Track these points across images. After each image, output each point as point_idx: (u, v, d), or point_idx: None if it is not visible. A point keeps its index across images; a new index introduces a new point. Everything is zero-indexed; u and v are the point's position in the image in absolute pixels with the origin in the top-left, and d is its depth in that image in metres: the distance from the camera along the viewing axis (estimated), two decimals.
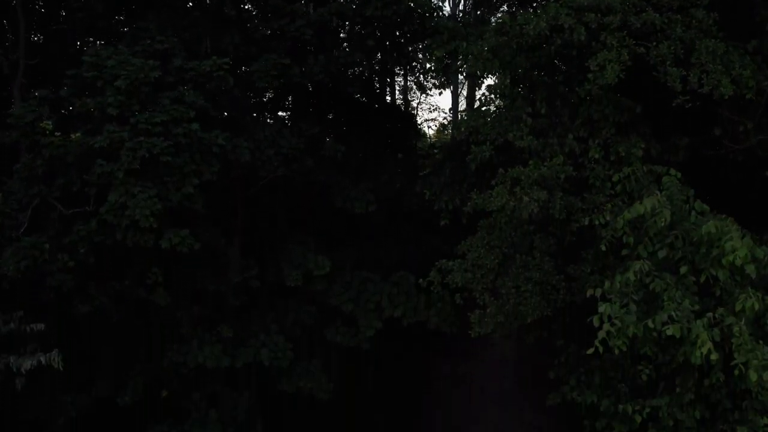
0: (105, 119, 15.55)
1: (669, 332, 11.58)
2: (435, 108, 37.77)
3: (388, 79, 23.72)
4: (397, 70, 25.23)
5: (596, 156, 16.29)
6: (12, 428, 16.76)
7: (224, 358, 18.82)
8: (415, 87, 33.64)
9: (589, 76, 14.99)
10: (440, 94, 33.59)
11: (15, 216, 16.47)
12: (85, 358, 19.53)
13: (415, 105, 30.31)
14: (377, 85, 22.84)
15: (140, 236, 15.50)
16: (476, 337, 16.35)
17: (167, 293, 18.67)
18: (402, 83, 27.18)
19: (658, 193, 13.57)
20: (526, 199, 15.00)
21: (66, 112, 16.64)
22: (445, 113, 56.57)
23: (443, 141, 30.07)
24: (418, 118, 39.14)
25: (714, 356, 11.37)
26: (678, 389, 14.26)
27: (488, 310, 15.77)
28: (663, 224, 12.79)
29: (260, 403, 22.16)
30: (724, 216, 13.28)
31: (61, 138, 15.42)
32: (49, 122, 15.36)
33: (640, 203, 13.00)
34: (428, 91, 36.13)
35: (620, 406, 14.76)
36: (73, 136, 15.42)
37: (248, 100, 19.33)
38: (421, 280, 17.23)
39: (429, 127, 51.39)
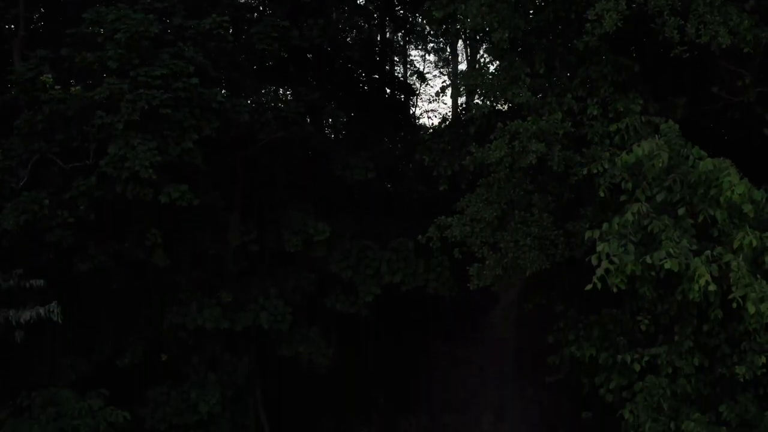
0: (105, 73, 15.62)
1: (667, 266, 11.59)
2: (434, 99, 37.70)
3: (388, 50, 23.75)
4: (397, 38, 25.31)
5: (594, 113, 16.33)
6: (12, 388, 16.73)
7: (223, 320, 18.81)
8: (415, 77, 33.89)
9: (588, 26, 15.05)
10: (439, 66, 33.44)
11: (15, 172, 16.51)
12: (84, 322, 19.52)
13: (414, 83, 30.31)
14: (378, 57, 22.89)
15: (140, 189, 15.54)
16: (475, 289, 16.35)
17: (166, 256, 18.67)
18: (400, 49, 27.06)
19: (657, 137, 13.60)
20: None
21: (66, 69, 16.67)
22: (446, 104, 56.65)
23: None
24: (417, 108, 39.22)
25: (712, 287, 11.39)
26: (676, 337, 14.28)
27: (487, 263, 15.79)
28: (661, 166, 12.82)
29: (259, 368, 22.19)
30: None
31: (61, 92, 15.47)
32: (49, 76, 15.41)
33: (638, 146, 13.03)
34: (428, 82, 36.34)
35: (619, 356, 14.78)
36: (73, 90, 15.46)
37: (248, 63, 19.38)
38: (420, 236, 17.26)
39: (429, 117, 51.42)
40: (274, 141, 19.16)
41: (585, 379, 17.65)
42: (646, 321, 14.79)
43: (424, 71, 37.56)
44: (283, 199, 20.97)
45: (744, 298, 11.43)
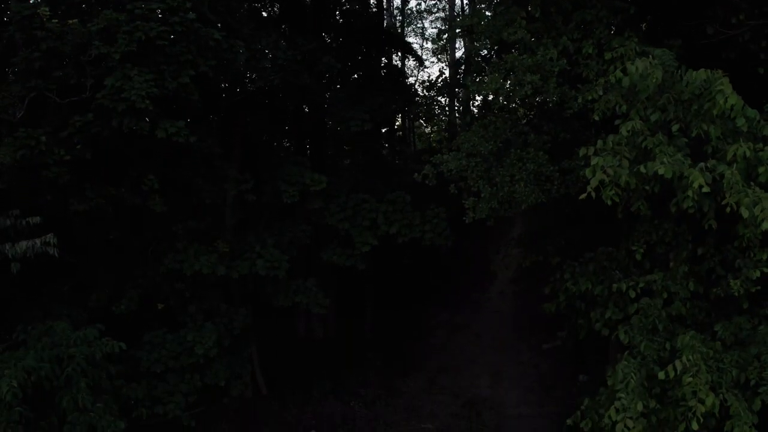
0: (101, 6, 15.67)
1: (660, 171, 11.62)
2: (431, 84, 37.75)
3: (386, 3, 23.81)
4: None
5: (590, 52, 16.41)
6: (8, 327, 16.70)
7: (220, 266, 18.81)
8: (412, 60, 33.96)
9: None
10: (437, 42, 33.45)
11: (12, 111, 16.53)
12: (79, 269, 19.54)
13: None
14: (374, 9, 22.90)
15: (136, 122, 15.56)
16: (470, 222, 16.37)
17: (163, 203, 18.67)
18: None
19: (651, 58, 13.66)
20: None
21: (64, 7, 16.70)
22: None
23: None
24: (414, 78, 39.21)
25: (706, 189, 11.39)
26: (671, 264, 14.34)
27: (482, 196, 15.83)
28: (655, 82, 12.86)
29: (256, 323, 22.20)
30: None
31: (58, 24, 15.50)
32: (47, 8, 15.45)
33: (632, 64, 13.08)
34: (425, 66, 36.47)
35: (614, 285, 14.81)
36: (70, 23, 15.50)
37: (245, 11, 19.46)
38: (416, 174, 17.31)
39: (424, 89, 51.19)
40: (270, 90, 19.20)
41: (581, 321, 17.72)
42: (641, 250, 14.87)
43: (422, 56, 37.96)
44: (279, 154, 21.02)
45: (738, 203, 11.46)
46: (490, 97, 15.80)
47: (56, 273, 19.22)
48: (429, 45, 36.75)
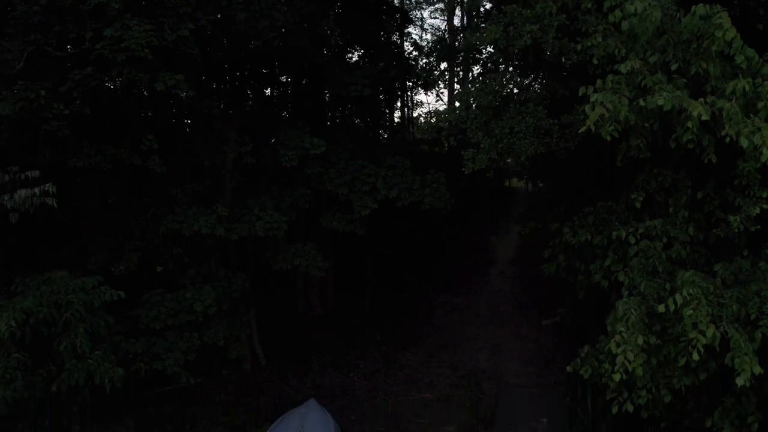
0: None
1: (660, 102, 11.62)
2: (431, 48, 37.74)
3: None
4: None
5: (588, 6, 16.44)
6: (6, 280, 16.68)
7: (219, 227, 18.77)
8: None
9: None
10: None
11: (12, 64, 16.52)
12: (78, 232, 19.51)
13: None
14: None
15: (136, 73, 15.55)
16: (469, 173, 16.37)
17: (163, 163, 18.65)
18: None
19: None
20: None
21: None
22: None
23: None
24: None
25: (705, 117, 11.39)
26: (671, 209, 14.34)
27: (482, 146, 15.83)
28: (654, 22, 12.87)
29: (255, 296, 22.19)
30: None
31: None
32: None
33: (631, 4, 13.10)
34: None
35: (613, 233, 14.78)
36: None
37: None
38: (412, 128, 17.32)
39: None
40: (270, 52, 19.19)
41: (581, 277, 17.69)
42: (641, 198, 14.87)
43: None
44: (278, 117, 21.01)
45: (737, 134, 11.46)
46: (490, 49, 15.79)
47: (55, 235, 19.21)
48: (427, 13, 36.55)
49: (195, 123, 18.70)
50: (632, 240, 14.23)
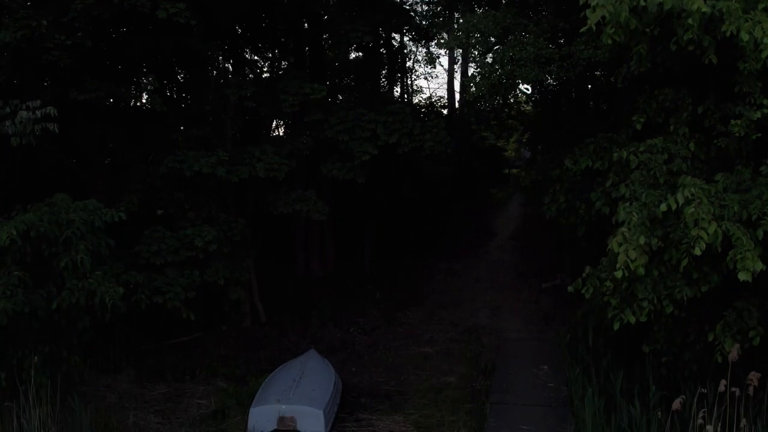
0: None
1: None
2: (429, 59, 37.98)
3: None
4: None
5: None
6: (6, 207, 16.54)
7: (220, 168, 18.77)
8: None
9: None
10: None
11: None
12: (78, 177, 19.52)
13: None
14: None
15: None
16: (471, 99, 16.41)
17: (163, 103, 18.68)
18: None
19: None
20: None
21: None
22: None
23: None
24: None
25: (705, 9, 11.40)
26: (672, 127, 14.37)
27: (483, 73, 15.88)
28: None
29: (255, 239, 22.18)
30: None
31: None
32: None
33: None
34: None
35: (614, 155, 14.78)
36: None
37: None
38: (411, 54, 17.37)
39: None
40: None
41: (581, 210, 17.67)
42: (642, 119, 14.90)
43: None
44: (279, 63, 21.06)
45: (738, 29, 11.48)
46: None
47: (56, 175, 19.23)
48: None
49: (196, 64, 18.72)
50: (633, 159, 14.23)
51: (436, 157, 21.15)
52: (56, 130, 15.61)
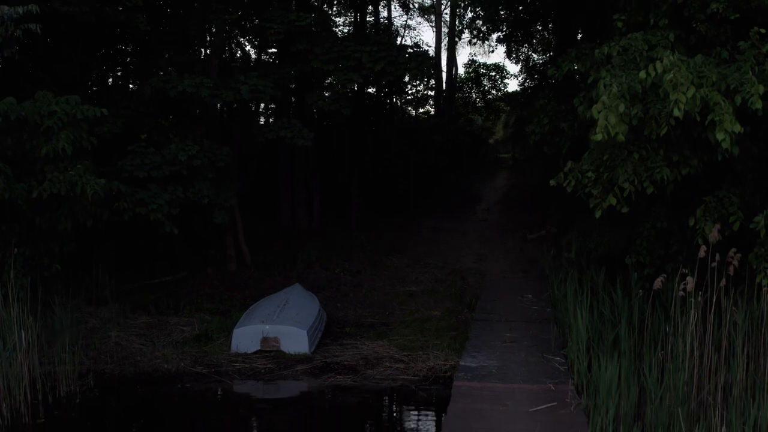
0: None
1: None
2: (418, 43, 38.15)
3: None
4: None
5: None
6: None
7: (204, 89, 18.72)
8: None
9: None
10: None
11: None
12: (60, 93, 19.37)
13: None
14: None
15: None
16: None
17: (146, 23, 18.62)
18: None
19: None
20: None
21: None
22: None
23: None
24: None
25: None
26: (651, 20, 14.44)
27: None
28: None
29: (239, 176, 22.13)
30: None
31: None
32: None
33: None
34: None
35: (596, 51, 14.82)
36: None
37: None
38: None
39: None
40: None
41: (564, 125, 17.73)
42: (623, 17, 14.98)
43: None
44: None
45: None
46: None
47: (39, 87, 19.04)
48: None
49: None
50: (614, 48, 14.25)
51: (431, 125, 21.10)
52: (39, 30, 15.55)
